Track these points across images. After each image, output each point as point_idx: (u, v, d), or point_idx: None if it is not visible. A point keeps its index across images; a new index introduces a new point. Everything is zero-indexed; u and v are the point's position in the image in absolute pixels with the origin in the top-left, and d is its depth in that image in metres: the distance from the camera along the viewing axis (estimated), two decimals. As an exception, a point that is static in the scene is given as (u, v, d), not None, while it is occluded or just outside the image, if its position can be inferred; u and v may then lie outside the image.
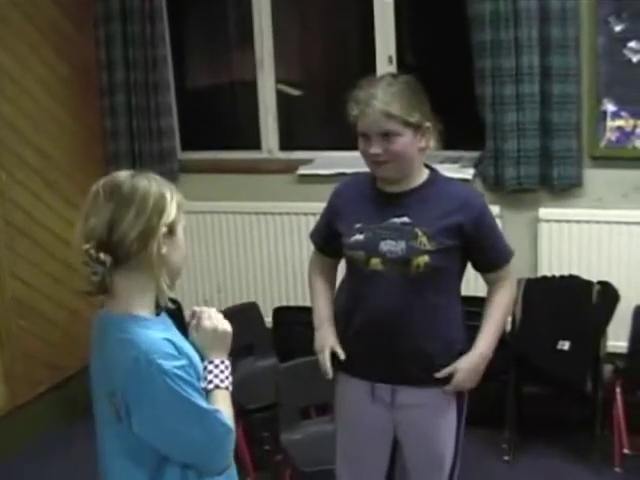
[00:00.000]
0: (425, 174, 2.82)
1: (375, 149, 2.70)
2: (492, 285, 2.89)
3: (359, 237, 2.77)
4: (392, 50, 4.85)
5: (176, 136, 5.29)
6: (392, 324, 2.74)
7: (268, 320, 4.72)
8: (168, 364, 1.99)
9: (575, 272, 4.39)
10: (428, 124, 2.74)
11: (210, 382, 2.13)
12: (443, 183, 2.85)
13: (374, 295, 2.76)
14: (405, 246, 2.70)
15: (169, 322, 2.17)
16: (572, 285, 4.33)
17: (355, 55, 5.57)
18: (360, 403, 2.90)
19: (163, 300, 2.10)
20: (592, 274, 4.35)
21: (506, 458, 4.23)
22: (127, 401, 2.01)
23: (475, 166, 4.66)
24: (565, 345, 4.15)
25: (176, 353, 2.03)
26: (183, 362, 2.03)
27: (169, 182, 2.13)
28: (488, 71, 4.40)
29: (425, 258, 2.70)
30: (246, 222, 5.08)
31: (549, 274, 4.44)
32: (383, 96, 2.67)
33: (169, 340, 2.05)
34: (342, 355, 2.88)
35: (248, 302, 4.83)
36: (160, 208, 2.04)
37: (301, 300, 4.61)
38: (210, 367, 2.15)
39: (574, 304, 4.27)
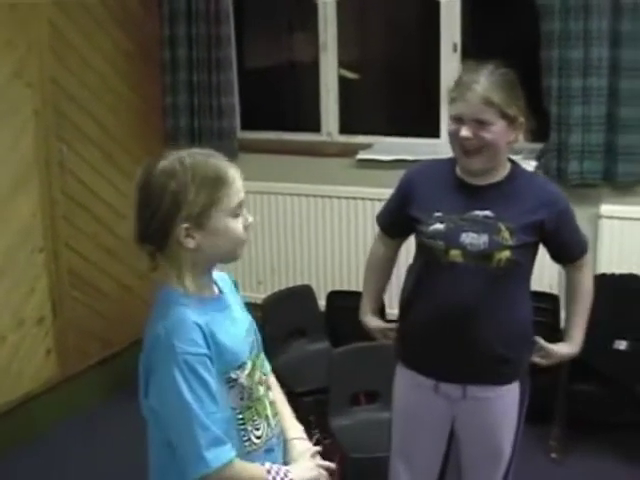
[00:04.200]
0: (507, 168, 2.77)
1: (466, 132, 2.64)
2: (572, 273, 2.91)
3: (439, 226, 2.72)
4: (457, 37, 4.79)
5: (236, 115, 5.30)
6: (467, 318, 2.69)
7: (322, 303, 4.71)
8: (182, 347, 1.96)
9: (635, 271, 4.31)
10: (522, 119, 2.70)
11: (271, 469, 2.11)
12: (525, 177, 2.81)
13: (449, 287, 2.71)
14: (488, 240, 2.66)
15: (221, 306, 2.13)
16: (631, 284, 4.25)
17: (416, 41, 5.52)
18: (420, 396, 2.85)
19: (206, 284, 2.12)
20: (652, 274, 4.27)
21: (553, 455, 4.19)
22: (147, 371, 2.04)
23: (538, 158, 4.58)
24: (622, 345, 4.08)
25: (200, 340, 1.99)
26: (203, 350, 1.99)
27: (228, 160, 2.11)
28: (555, 62, 4.33)
29: (507, 253, 2.65)
30: (303, 204, 5.07)
31: (608, 272, 4.36)
32: (486, 83, 2.62)
33: (198, 325, 2.00)
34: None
35: (302, 285, 4.83)
36: (178, 204, 2.00)
37: (355, 285, 4.58)
38: (285, 471, 2.14)
39: (633, 303, 4.19)
